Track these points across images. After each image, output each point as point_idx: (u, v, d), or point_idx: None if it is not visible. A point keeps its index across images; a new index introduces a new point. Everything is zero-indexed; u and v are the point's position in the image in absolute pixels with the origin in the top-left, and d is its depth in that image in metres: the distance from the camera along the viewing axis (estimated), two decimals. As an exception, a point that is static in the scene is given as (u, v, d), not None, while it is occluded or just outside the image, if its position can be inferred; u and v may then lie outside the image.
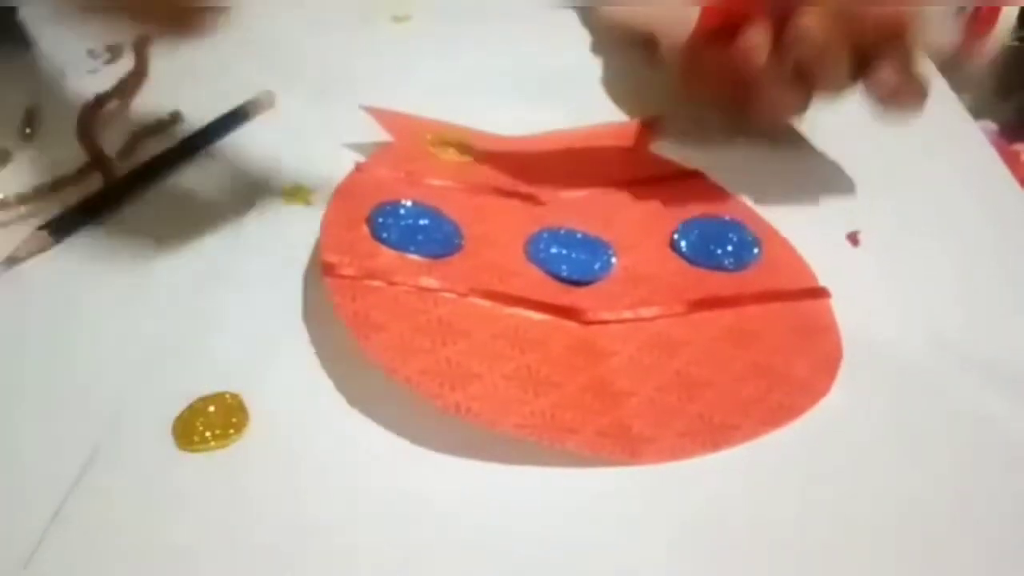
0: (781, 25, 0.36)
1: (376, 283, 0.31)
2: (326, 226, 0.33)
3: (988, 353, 0.32)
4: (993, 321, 0.34)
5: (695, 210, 0.38)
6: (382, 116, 0.41)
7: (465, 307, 0.31)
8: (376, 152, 0.39)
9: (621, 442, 0.28)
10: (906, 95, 0.37)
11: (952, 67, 0.93)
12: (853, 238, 0.37)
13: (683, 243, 0.36)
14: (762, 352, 0.32)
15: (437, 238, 0.34)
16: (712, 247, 0.36)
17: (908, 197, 0.40)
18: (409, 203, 0.35)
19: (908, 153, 0.43)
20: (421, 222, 0.34)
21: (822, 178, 0.41)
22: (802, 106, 0.40)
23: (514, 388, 0.29)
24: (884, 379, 0.31)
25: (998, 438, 0.29)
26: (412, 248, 0.33)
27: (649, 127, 0.43)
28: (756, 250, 0.36)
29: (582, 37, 0.51)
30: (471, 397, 0.28)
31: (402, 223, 0.34)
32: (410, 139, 0.40)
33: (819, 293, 0.35)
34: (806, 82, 0.38)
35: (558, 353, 0.31)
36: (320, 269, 0.31)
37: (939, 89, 0.49)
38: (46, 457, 0.27)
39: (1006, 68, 0.96)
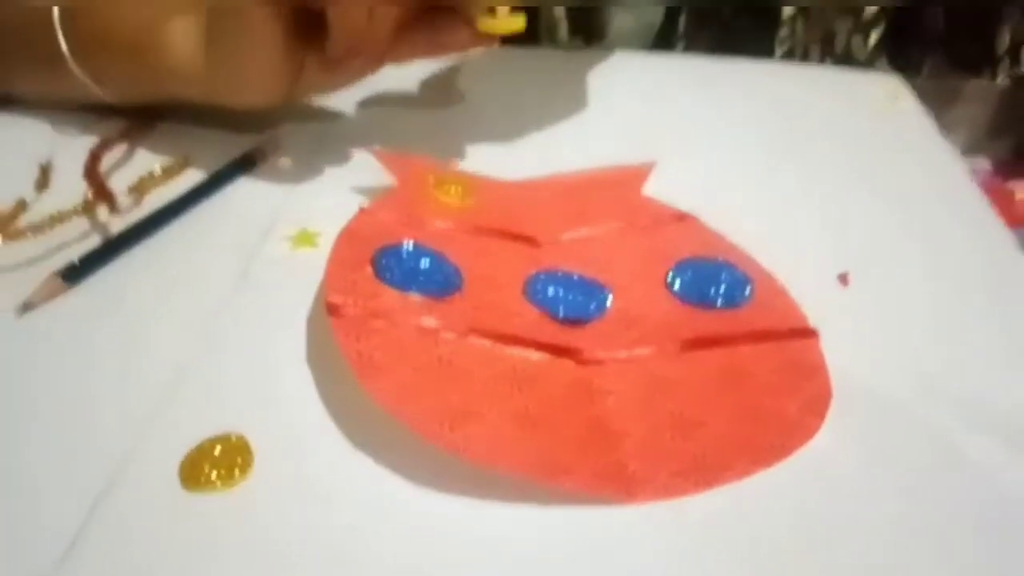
0: None
1: (379, 323, 0.32)
2: (331, 268, 0.34)
3: (976, 394, 0.33)
4: (981, 362, 0.35)
5: (688, 251, 0.39)
6: (386, 159, 0.42)
7: (465, 347, 0.32)
8: (380, 196, 0.40)
9: (617, 482, 0.29)
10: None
11: (946, 105, 0.95)
12: (843, 279, 0.38)
13: (677, 284, 0.37)
14: (753, 392, 0.33)
15: (438, 279, 0.35)
16: (705, 287, 0.37)
17: (896, 238, 0.41)
18: (411, 245, 0.36)
19: (896, 194, 0.44)
20: (423, 263, 0.35)
21: (812, 220, 0.42)
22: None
23: (513, 428, 0.30)
24: (872, 419, 0.32)
25: (985, 480, 0.30)
26: (414, 288, 0.34)
27: (642, 172, 0.45)
28: (747, 290, 0.37)
29: (566, 79, 0.53)
30: (471, 437, 0.29)
31: (404, 264, 0.35)
32: (413, 182, 0.41)
33: (808, 333, 0.35)
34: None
35: (556, 393, 0.32)
36: (325, 310, 0.32)
37: (924, 128, 0.51)
38: (55, 498, 0.28)
39: (1000, 106, 0.98)
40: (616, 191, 0.44)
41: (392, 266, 0.34)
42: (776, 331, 0.35)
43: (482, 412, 0.30)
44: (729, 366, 0.34)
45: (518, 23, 0.41)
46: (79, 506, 0.28)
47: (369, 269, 0.34)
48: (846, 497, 0.29)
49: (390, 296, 0.33)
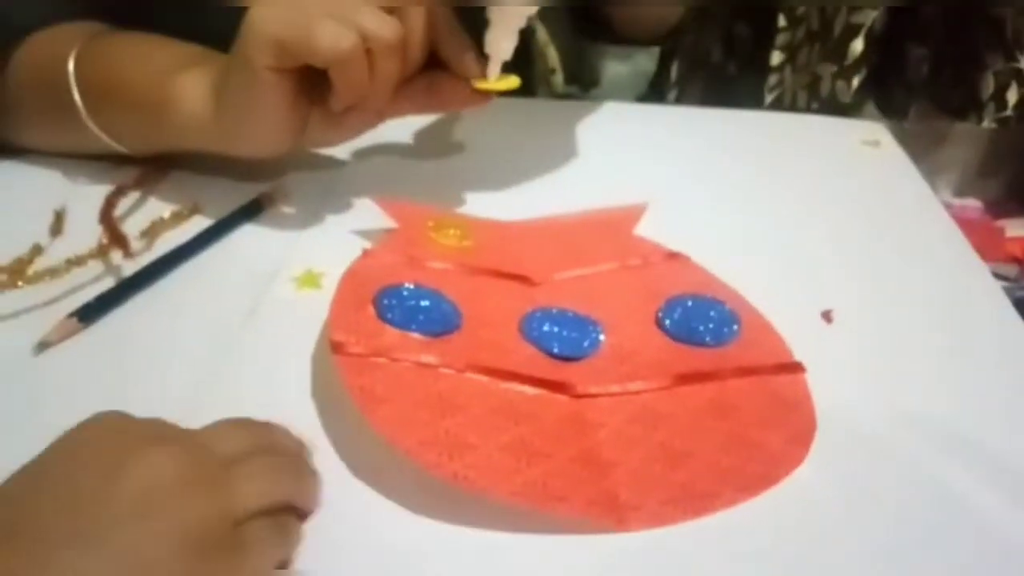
0: None
1: (381, 360, 0.33)
2: (335, 308, 0.35)
3: (958, 429, 0.34)
4: (961, 397, 0.36)
5: (678, 289, 0.41)
6: (388, 205, 0.44)
7: (463, 382, 0.34)
8: (382, 239, 0.42)
9: (608, 510, 0.30)
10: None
11: (936, 147, 0.97)
12: (827, 316, 0.40)
13: (667, 321, 0.39)
14: (740, 424, 0.34)
15: (437, 318, 0.36)
16: (694, 324, 0.38)
17: (878, 276, 0.43)
18: (411, 285, 0.37)
19: (877, 234, 0.46)
20: (423, 303, 0.37)
21: (797, 259, 0.44)
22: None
23: (508, 458, 0.31)
24: (855, 452, 0.33)
25: (966, 513, 0.31)
26: (414, 327, 0.35)
27: (634, 213, 0.46)
28: (735, 327, 0.39)
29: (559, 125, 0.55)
30: (467, 466, 0.30)
31: (405, 304, 0.36)
32: (413, 226, 0.43)
33: (794, 368, 0.37)
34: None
35: (550, 425, 0.33)
36: (329, 347, 0.34)
37: (905, 171, 0.53)
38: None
39: (988, 148, 1.00)
40: (609, 231, 0.46)
41: (393, 306, 0.36)
42: (763, 366, 0.37)
43: (478, 443, 0.31)
44: (717, 399, 0.35)
45: (512, 82, 0.43)
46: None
47: (371, 309, 0.36)
48: (827, 528, 0.30)
49: (391, 335, 0.35)
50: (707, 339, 0.38)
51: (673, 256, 0.43)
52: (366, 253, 0.39)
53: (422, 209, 0.45)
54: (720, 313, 0.39)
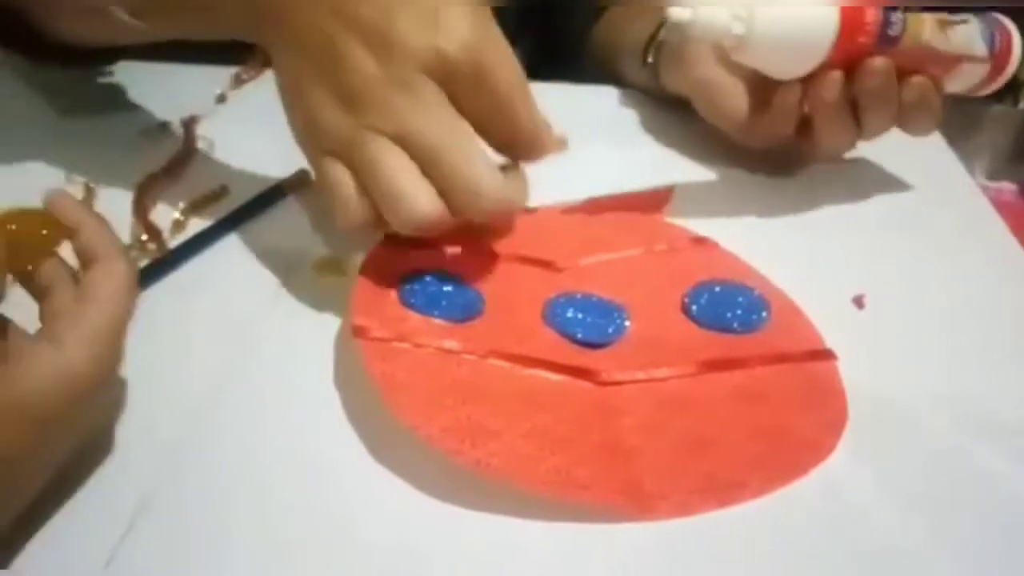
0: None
1: (404, 345, 0.33)
2: (358, 293, 0.35)
3: (992, 413, 0.34)
4: (999, 382, 0.35)
5: (705, 275, 0.40)
6: None
7: (485, 368, 0.33)
8: None
9: (633, 499, 0.30)
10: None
11: (971, 130, 0.95)
12: (858, 301, 0.39)
13: (694, 307, 0.38)
14: (769, 412, 0.34)
15: (460, 303, 0.36)
16: (722, 310, 0.38)
17: (911, 260, 0.42)
18: (434, 271, 0.37)
19: (911, 218, 0.45)
20: (445, 288, 0.36)
21: (829, 244, 0.43)
22: (852, 141, 0.45)
23: (531, 446, 0.31)
24: (887, 439, 0.33)
25: (1002, 496, 0.30)
26: (437, 313, 0.35)
27: (661, 196, 0.46)
28: (764, 313, 0.38)
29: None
30: (490, 454, 0.30)
31: (428, 289, 0.36)
32: None
33: (825, 355, 0.36)
34: (857, 120, 0.43)
35: (573, 412, 0.33)
36: (351, 332, 0.33)
37: (940, 152, 0.51)
38: (96, 508, 0.29)
39: (1022, 131, 0.98)
40: (635, 215, 0.45)
41: (416, 291, 0.36)
42: (793, 353, 0.36)
43: (501, 430, 0.31)
44: (745, 387, 0.35)
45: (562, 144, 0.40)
46: (120, 519, 0.29)
47: (394, 294, 0.35)
48: (861, 513, 0.30)
49: (414, 320, 0.34)
50: (735, 326, 0.37)
51: (700, 241, 0.43)
52: (388, 238, 0.39)
53: None
54: (748, 299, 0.39)
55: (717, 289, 0.39)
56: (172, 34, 0.42)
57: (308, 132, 0.35)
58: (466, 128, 0.33)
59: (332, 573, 0.28)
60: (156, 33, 0.43)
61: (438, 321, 0.35)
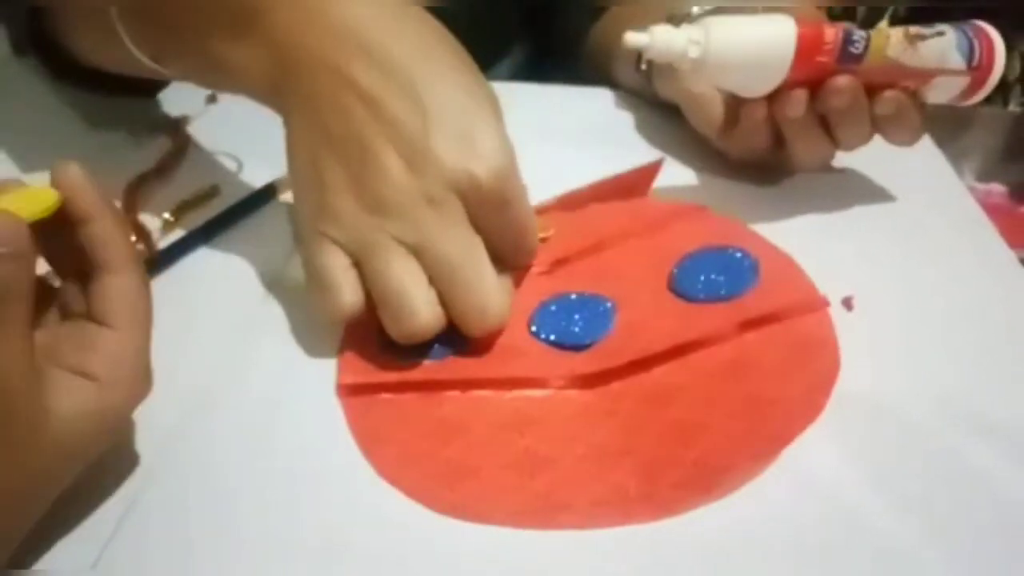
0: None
1: (385, 396, 0.34)
2: (342, 345, 0.35)
3: (982, 414, 0.33)
4: (988, 383, 0.35)
5: (691, 245, 0.40)
6: None
7: (467, 402, 0.34)
8: None
9: (615, 507, 0.30)
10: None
11: (961, 131, 0.95)
12: (847, 303, 0.39)
13: (681, 282, 0.38)
14: (757, 382, 0.34)
15: (444, 340, 0.35)
16: (710, 278, 0.38)
17: (900, 262, 0.42)
18: None
19: (898, 220, 0.45)
20: None
21: (817, 244, 0.43)
22: (829, 154, 0.46)
23: (511, 476, 0.31)
24: (876, 439, 0.32)
25: (996, 497, 0.30)
26: (420, 355, 0.35)
27: (649, 171, 0.45)
28: (755, 273, 0.38)
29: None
30: (466, 495, 0.30)
31: None
32: None
33: (818, 304, 0.36)
34: (831, 134, 0.44)
35: (557, 428, 0.33)
36: (337, 391, 0.34)
37: (929, 154, 0.52)
38: (88, 505, 0.30)
39: (1014, 132, 0.98)
40: (622, 196, 0.44)
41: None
42: (784, 309, 0.36)
43: (480, 466, 0.31)
44: (733, 359, 0.35)
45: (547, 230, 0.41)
46: (111, 513, 0.29)
47: (376, 341, 0.35)
48: (853, 515, 0.30)
49: (396, 366, 0.35)
50: (723, 292, 0.37)
51: (686, 211, 0.43)
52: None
53: None
54: (736, 261, 0.39)
55: (703, 259, 0.39)
56: (192, 82, 0.42)
57: (317, 214, 0.35)
58: (481, 246, 0.34)
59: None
60: (177, 77, 0.43)
61: (423, 363, 0.35)
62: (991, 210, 0.47)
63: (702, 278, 0.38)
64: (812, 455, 0.32)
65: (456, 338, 0.35)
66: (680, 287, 0.38)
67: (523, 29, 0.65)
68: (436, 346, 0.35)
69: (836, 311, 0.39)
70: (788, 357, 0.35)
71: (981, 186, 0.98)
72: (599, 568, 0.28)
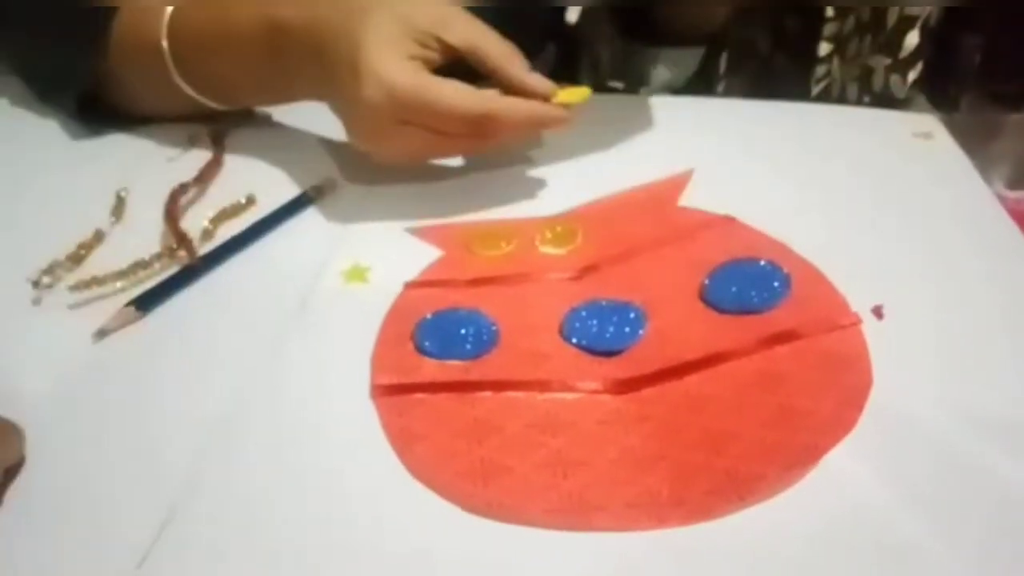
0: None
1: (419, 396, 0.34)
2: (376, 347, 0.36)
3: (1015, 424, 0.33)
4: (1012, 386, 0.35)
5: (724, 256, 0.40)
6: (427, 233, 0.44)
7: (500, 402, 0.34)
8: (427, 269, 0.42)
9: (649, 511, 0.30)
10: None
11: (990, 138, 0.94)
12: (877, 311, 0.39)
13: (713, 293, 0.38)
14: (789, 394, 0.34)
15: (475, 340, 0.37)
16: (740, 291, 0.38)
17: (930, 270, 0.42)
18: (448, 311, 0.38)
19: (930, 229, 0.45)
20: (461, 329, 0.37)
21: (847, 253, 0.43)
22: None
23: (544, 475, 0.31)
24: (908, 450, 0.32)
25: (1009, 496, 0.30)
26: (452, 354, 0.36)
27: (678, 182, 0.46)
28: (786, 286, 0.38)
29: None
30: (501, 492, 0.30)
31: (443, 333, 0.37)
32: (456, 247, 0.43)
33: (850, 321, 0.36)
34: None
35: (589, 431, 0.33)
36: (371, 392, 0.35)
37: (958, 164, 0.51)
38: (128, 514, 0.30)
39: (1044, 139, 0.97)
40: (652, 205, 0.45)
41: (431, 336, 0.37)
42: (816, 324, 0.36)
43: (513, 465, 0.32)
44: (765, 371, 0.35)
45: (584, 92, 0.44)
46: (151, 522, 0.30)
47: (411, 344, 0.36)
48: (885, 529, 0.30)
49: (429, 366, 0.36)
50: (755, 302, 0.38)
51: (717, 221, 0.43)
52: (408, 286, 0.40)
53: (461, 228, 0.45)
54: (767, 273, 0.39)
55: (735, 269, 0.39)
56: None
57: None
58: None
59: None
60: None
61: (453, 363, 0.36)
62: (1021, 218, 0.47)
63: (734, 289, 0.38)
64: (844, 466, 0.32)
65: (487, 341, 0.36)
66: (712, 298, 0.38)
67: (546, 36, 0.66)
68: (468, 348, 0.36)
69: (866, 319, 0.39)
70: (820, 371, 0.35)
71: (1011, 194, 0.97)
72: (632, 570, 0.29)
